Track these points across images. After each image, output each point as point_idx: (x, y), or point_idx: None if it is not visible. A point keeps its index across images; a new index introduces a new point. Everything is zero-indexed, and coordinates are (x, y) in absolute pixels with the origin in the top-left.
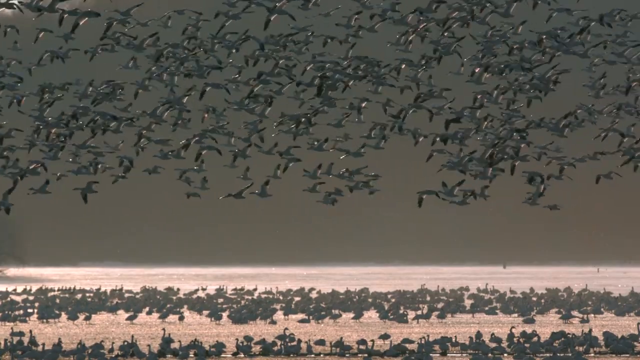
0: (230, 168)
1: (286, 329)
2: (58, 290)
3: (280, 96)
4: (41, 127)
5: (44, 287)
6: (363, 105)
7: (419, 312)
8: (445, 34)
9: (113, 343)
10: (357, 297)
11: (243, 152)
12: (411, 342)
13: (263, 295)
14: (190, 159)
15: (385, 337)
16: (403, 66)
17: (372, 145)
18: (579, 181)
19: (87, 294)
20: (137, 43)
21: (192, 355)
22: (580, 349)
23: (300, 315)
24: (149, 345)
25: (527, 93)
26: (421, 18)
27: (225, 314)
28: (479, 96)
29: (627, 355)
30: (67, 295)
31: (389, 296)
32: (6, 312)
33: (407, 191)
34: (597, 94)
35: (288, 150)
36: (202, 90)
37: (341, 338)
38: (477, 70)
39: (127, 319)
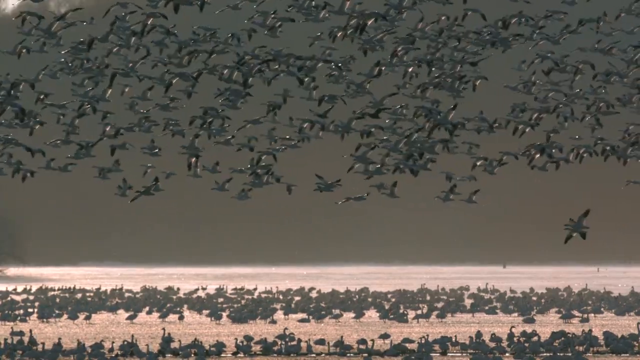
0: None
1: (286, 328)
2: (58, 289)
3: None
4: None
5: (44, 287)
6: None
7: (419, 312)
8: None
9: (113, 343)
10: (357, 296)
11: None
12: (411, 341)
13: (263, 295)
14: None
15: (385, 336)
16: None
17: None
18: (579, 181)
19: (87, 294)
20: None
21: (192, 355)
22: (580, 348)
23: (300, 315)
24: (147, 345)
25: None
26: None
27: (225, 314)
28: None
29: (627, 355)
30: (67, 295)
31: (389, 296)
32: (6, 311)
33: (407, 191)
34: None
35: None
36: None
37: (341, 337)
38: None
39: (127, 318)
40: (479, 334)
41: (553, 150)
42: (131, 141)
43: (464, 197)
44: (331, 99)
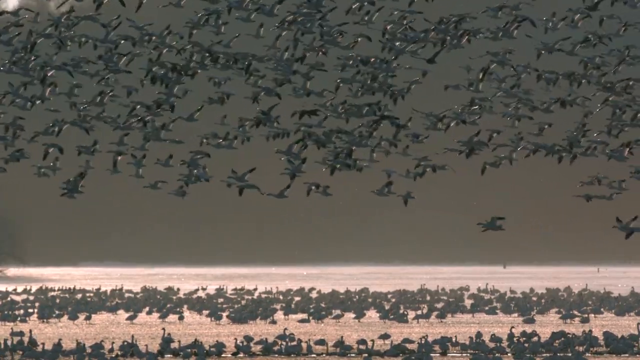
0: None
1: (285, 329)
2: (58, 290)
3: None
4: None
5: (44, 287)
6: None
7: (419, 312)
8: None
9: (113, 343)
10: (357, 297)
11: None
12: (411, 342)
13: (263, 295)
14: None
15: (385, 337)
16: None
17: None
18: (580, 181)
19: (87, 294)
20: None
21: (192, 355)
22: (580, 348)
23: (301, 315)
24: (146, 345)
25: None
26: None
27: (225, 314)
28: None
29: (627, 355)
30: (67, 295)
31: (389, 296)
32: (6, 312)
33: (407, 191)
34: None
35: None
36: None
37: (341, 338)
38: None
39: (127, 318)
40: (479, 334)
41: (482, 149)
42: (70, 138)
43: (401, 193)
44: (268, 92)
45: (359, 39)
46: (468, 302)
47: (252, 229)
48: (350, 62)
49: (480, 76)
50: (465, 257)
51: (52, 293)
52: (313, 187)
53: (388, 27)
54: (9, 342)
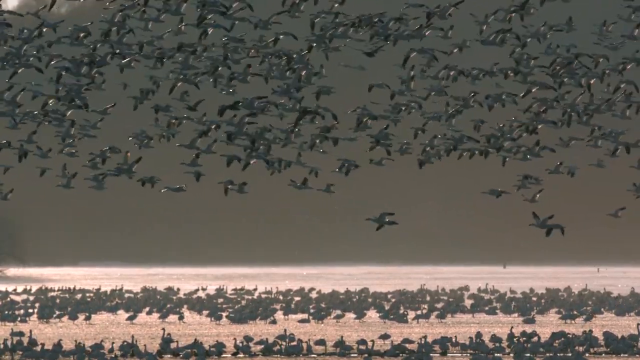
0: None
1: (285, 329)
2: (58, 290)
3: None
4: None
5: (44, 287)
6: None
7: (419, 312)
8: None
9: (113, 343)
10: (357, 297)
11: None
12: (411, 342)
13: (263, 295)
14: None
15: (385, 337)
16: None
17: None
18: (579, 181)
19: (87, 294)
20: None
21: (192, 356)
22: (580, 349)
23: (300, 315)
24: (145, 345)
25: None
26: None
27: (225, 314)
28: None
29: (627, 355)
30: (67, 295)
31: (389, 296)
32: (6, 312)
33: (406, 191)
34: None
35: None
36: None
37: (341, 338)
38: None
39: (127, 319)
40: (479, 335)
41: (389, 142)
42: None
43: (322, 187)
44: (187, 82)
45: (281, 36)
46: (468, 302)
47: (252, 229)
48: (270, 56)
49: (411, 74)
50: (465, 257)
51: (52, 293)
52: (229, 186)
53: (316, 20)
54: (9, 342)
